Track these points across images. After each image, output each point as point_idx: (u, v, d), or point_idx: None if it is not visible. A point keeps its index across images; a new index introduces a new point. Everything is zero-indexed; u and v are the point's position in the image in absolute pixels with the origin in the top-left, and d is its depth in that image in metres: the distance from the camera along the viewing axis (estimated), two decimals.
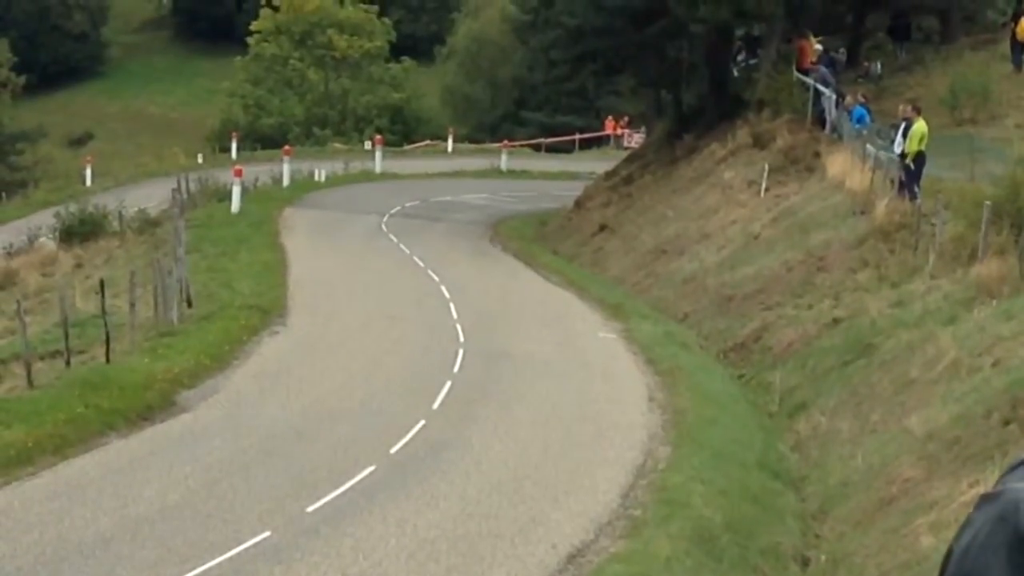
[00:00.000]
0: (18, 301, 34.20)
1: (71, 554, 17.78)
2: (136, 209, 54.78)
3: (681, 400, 28.79)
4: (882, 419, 25.33)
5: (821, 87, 49.09)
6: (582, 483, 22.41)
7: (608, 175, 62.43)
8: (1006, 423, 21.12)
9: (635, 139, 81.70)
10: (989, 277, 28.99)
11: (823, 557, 20.08)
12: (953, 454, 21.04)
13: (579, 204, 60.55)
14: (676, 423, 26.83)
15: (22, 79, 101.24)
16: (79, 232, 54.24)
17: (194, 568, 17.17)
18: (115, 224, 54.66)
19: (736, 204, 46.46)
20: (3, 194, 77.84)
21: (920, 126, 37.16)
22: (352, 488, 21.42)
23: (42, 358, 30.30)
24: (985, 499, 1.46)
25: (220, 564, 17.44)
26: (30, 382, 28.48)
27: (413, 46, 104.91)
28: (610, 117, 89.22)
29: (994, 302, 27.75)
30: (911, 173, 37.11)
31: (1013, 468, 1.50)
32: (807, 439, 26.99)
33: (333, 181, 70.03)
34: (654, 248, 48.07)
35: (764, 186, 45.75)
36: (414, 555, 18.42)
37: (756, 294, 37.74)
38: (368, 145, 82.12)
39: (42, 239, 55.05)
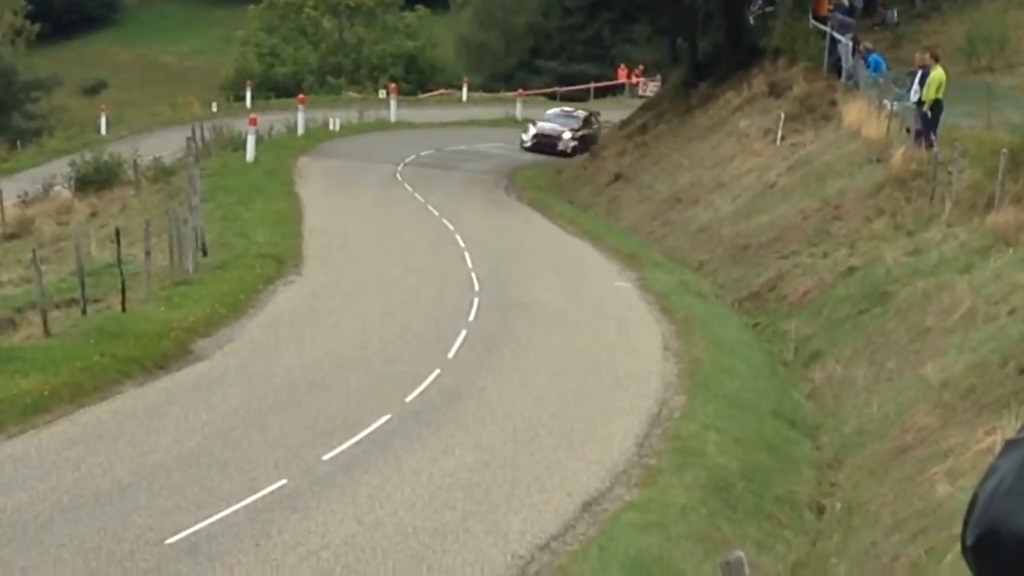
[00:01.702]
0: (34, 250, 34.19)
1: (87, 502, 17.85)
2: (151, 158, 54.75)
3: (696, 349, 28.81)
4: (897, 367, 25.33)
5: (837, 35, 48.92)
6: (597, 432, 22.45)
7: (623, 124, 62.43)
8: (1022, 371, 21.12)
9: (650, 87, 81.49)
10: (1006, 225, 28.94)
11: (838, 505, 20.11)
12: (969, 402, 21.05)
13: (594, 154, 60.49)
14: (691, 372, 26.85)
15: (36, 27, 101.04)
16: (94, 181, 54.23)
17: (210, 516, 17.23)
18: (130, 173, 54.61)
19: (751, 153, 46.40)
20: (18, 142, 77.80)
21: (937, 74, 37.03)
22: (367, 437, 21.47)
23: (58, 307, 30.35)
24: (1010, 445, 1.48)
25: (236, 512, 17.50)
26: (46, 330, 28.54)
27: None
28: (625, 65, 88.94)
29: (1011, 250, 27.72)
30: (928, 121, 37.01)
31: None
32: (822, 387, 27.02)
33: (347, 130, 69.94)
34: (669, 197, 48.02)
35: (780, 135, 45.68)
36: (430, 503, 18.47)
37: (771, 243, 37.71)
38: (382, 94, 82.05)
39: (57, 188, 55.09)
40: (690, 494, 19.25)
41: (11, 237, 47.68)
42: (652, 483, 19.72)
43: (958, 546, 9.32)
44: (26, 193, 54.35)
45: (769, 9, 56.54)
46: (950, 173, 33.17)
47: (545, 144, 69.29)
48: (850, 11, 51.60)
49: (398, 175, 57.36)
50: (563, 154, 68.13)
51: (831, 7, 51.31)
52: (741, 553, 6.43)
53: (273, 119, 64.92)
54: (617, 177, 54.61)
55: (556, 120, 72.24)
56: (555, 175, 61.12)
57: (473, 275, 36.42)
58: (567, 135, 70.11)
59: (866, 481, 20.60)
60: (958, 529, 9.65)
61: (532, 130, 70.89)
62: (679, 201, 47.01)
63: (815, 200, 38.46)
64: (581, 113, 74.12)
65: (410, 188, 53.68)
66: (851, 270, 32.13)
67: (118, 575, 15.06)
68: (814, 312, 31.36)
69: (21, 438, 21.41)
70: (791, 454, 22.73)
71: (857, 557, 16.70)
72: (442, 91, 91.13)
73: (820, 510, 20.35)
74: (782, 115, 46.32)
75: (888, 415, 23.06)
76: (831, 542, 18.37)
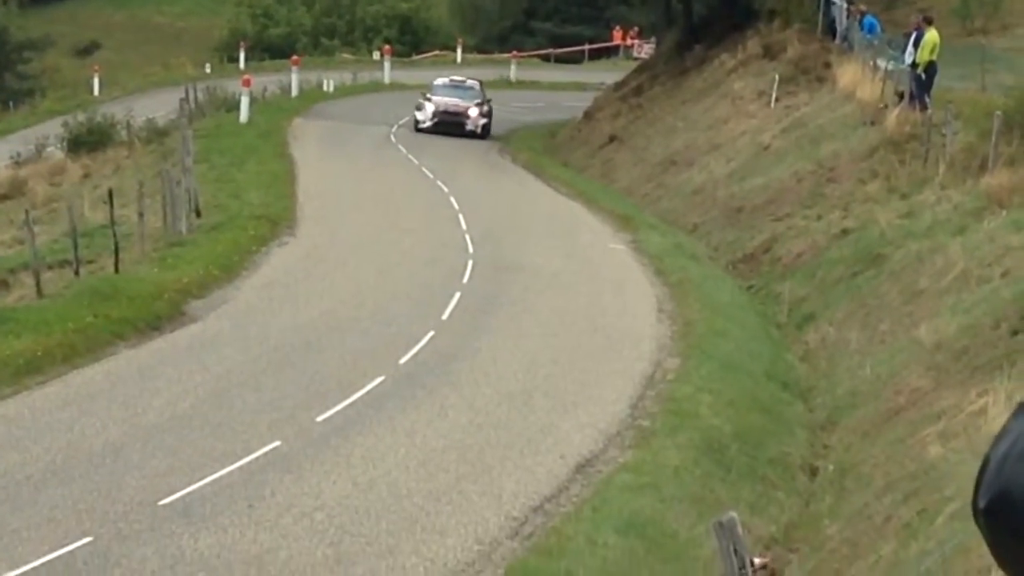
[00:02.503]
0: (27, 211, 34.13)
1: (81, 463, 17.85)
2: (144, 119, 54.71)
3: (690, 311, 28.84)
4: (890, 329, 25.38)
5: None
6: (591, 394, 22.47)
7: (617, 86, 62.30)
8: (1014, 333, 21.16)
9: (645, 49, 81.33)
10: (999, 187, 28.97)
11: (831, 467, 20.17)
12: (961, 364, 21.09)
13: (588, 115, 60.48)
14: (685, 334, 26.89)
15: None
16: (87, 142, 54.15)
17: (204, 477, 17.22)
18: (123, 134, 54.56)
19: (746, 115, 46.39)
20: (11, 103, 77.71)
21: (932, 36, 37.03)
22: (361, 398, 21.47)
23: (51, 268, 30.33)
24: (1022, 408, 1.48)
25: (230, 473, 17.51)
26: (39, 292, 28.52)
27: None
28: (620, 27, 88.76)
29: (1004, 213, 27.74)
30: (922, 83, 37.02)
31: None
32: (815, 349, 27.07)
33: (341, 91, 69.90)
34: (663, 159, 48.03)
35: (774, 97, 45.67)
36: (423, 464, 18.49)
37: (765, 205, 37.74)
38: (376, 55, 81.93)
39: (50, 149, 55.02)
40: (683, 456, 19.29)
41: (3, 198, 47.60)
42: (645, 445, 19.75)
43: (950, 507, 9.41)
44: (18, 154, 54.27)
45: None
46: (944, 135, 33.20)
47: (450, 123, 60.13)
48: None
49: (392, 137, 57.32)
50: (472, 135, 59.98)
51: None
52: (734, 514, 6.44)
53: (267, 80, 64.93)
54: (612, 139, 54.59)
55: (452, 93, 62.08)
56: (549, 137, 61.14)
57: (467, 237, 36.41)
58: (474, 111, 60.88)
59: (859, 443, 20.65)
60: (950, 491, 9.78)
61: (429, 107, 60.69)
62: (673, 163, 47.01)
63: (809, 162, 38.48)
64: (474, 83, 63.96)
65: (404, 150, 53.63)
66: (844, 232, 32.16)
67: (112, 536, 15.06)
68: (808, 274, 31.40)
69: (14, 399, 21.38)
70: (784, 416, 22.79)
71: (849, 518, 16.75)
72: (436, 53, 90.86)
73: (813, 472, 20.41)
74: (776, 77, 46.29)
75: (881, 377, 23.11)
76: (823, 503, 18.42)
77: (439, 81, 63.17)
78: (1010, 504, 1.40)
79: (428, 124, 59.73)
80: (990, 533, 1.46)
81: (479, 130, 60.05)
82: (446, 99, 60.78)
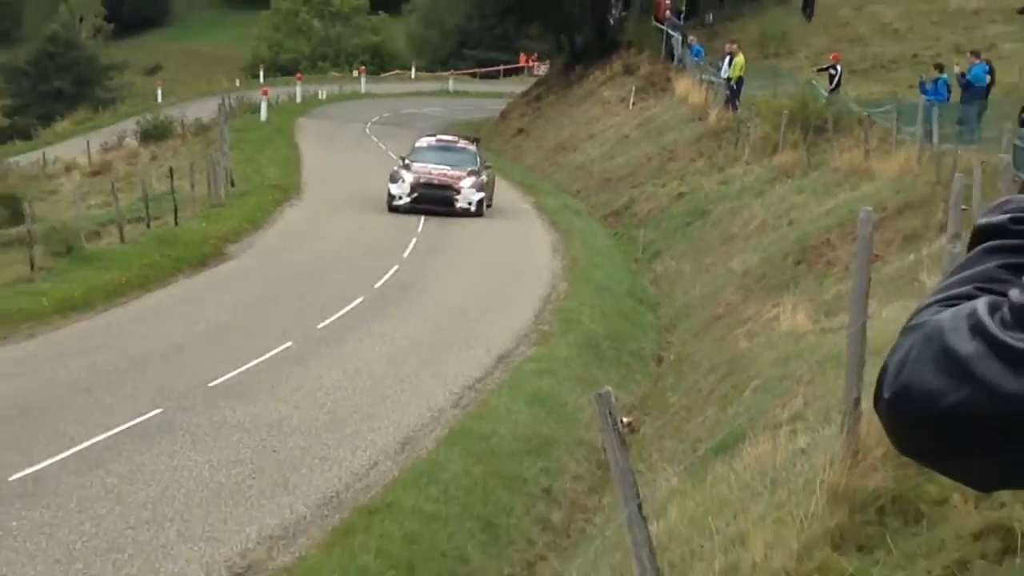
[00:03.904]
0: (112, 183, 34.00)
1: (153, 358, 17.79)
2: (193, 119, 54.22)
3: (574, 250, 28.93)
4: (712, 262, 25.55)
5: (671, 31, 48.92)
6: (507, 308, 22.52)
7: (524, 94, 62.02)
8: (797, 263, 21.37)
9: (542, 69, 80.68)
10: (786, 163, 29.21)
11: (672, 356, 20.34)
12: (761, 285, 21.27)
13: (504, 115, 60.26)
14: (571, 267, 26.98)
15: (111, 26, 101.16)
16: (154, 134, 53.75)
17: (239, 367, 17.20)
18: (179, 129, 54.11)
19: (612, 114, 46.43)
20: (99, 107, 76.70)
21: (740, 59, 37.17)
22: (348, 312, 21.46)
23: (129, 222, 30.05)
24: (910, 329, 1.48)
25: (258, 364, 17.48)
26: (122, 239, 28.32)
27: (386, 3, 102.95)
28: (524, 53, 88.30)
29: (789, 180, 27.97)
30: (733, 92, 37.18)
31: (925, 307, 1.52)
32: (661, 276, 27.24)
33: (331, 99, 69.29)
34: (555, 145, 47.99)
35: (632, 101, 45.73)
36: (392, 357, 18.51)
37: (626, 177, 37.83)
38: (355, 73, 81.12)
39: (128, 139, 54.42)
40: (571, 350, 19.39)
41: (96, 174, 47.14)
42: (545, 343, 19.84)
43: (753, 383, 9.35)
44: (106, 143, 53.66)
45: (624, 13, 56.14)
46: (748, 128, 33.37)
47: (434, 199, 33.35)
48: (679, 15, 51.64)
49: (367, 130, 56.92)
50: (465, 213, 33.46)
51: (667, 12, 51.29)
52: (609, 388, 6.46)
53: (279, 91, 64.31)
54: (519, 131, 54.46)
55: (438, 158, 34.76)
56: (476, 130, 60.69)
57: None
58: (467, 182, 33.87)
59: (691, 340, 20.84)
60: (753, 372, 9.74)
61: (407, 177, 33.70)
62: (562, 148, 46.99)
63: (656, 147, 38.60)
64: (468, 145, 36.75)
65: (376, 139, 53.30)
66: (680, 195, 32.31)
67: (175, 408, 15.03)
68: (655, 224, 31.54)
69: (104, 315, 21.30)
70: (640, 322, 22.93)
71: (685, 391, 16.90)
72: (397, 72, 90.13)
73: (660, 360, 20.57)
74: (633, 88, 46.34)
75: (706, 294, 23.29)
76: (667, 382, 18.58)
77: (422, 142, 36.52)
78: (909, 394, 1.40)
79: (405, 202, 33.32)
80: (893, 421, 1.46)
81: (473, 207, 33.63)
82: (430, 167, 34.10)
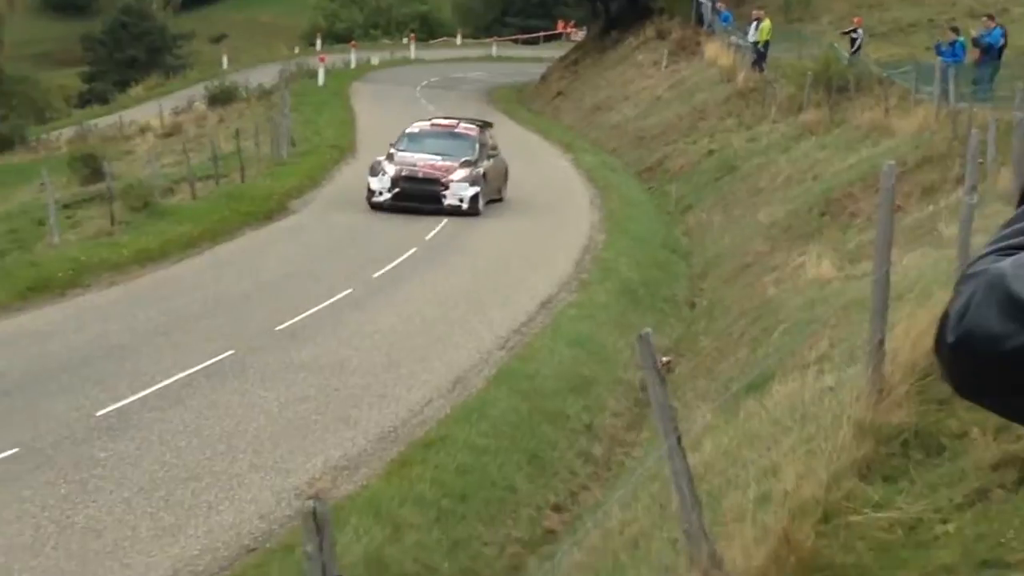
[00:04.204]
0: (183, 144, 34.06)
1: (224, 304, 17.88)
2: (256, 84, 54.21)
3: (611, 204, 28.79)
4: (741, 214, 25.39)
5: None
6: (548, 257, 22.44)
7: (562, 59, 61.57)
8: (821, 214, 21.22)
9: (579, 35, 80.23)
10: (810, 121, 28.92)
11: (704, 302, 20.28)
12: (787, 236, 21.13)
13: (544, 78, 59.89)
14: (609, 219, 26.84)
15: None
16: (220, 98, 53.76)
17: (303, 313, 17.26)
18: (243, 94, 54.12)
19: (645, 77, 46.05)
20: (170, 74, 76.95)
21: (766, 23, 36.77)
22: (402, 262, 21.47)
23: (200, 180, 30.11)
24: (969, 277, 1.45)
25: (320, 310, 17.53)
26: (193, 195, 28.41)
27: None
28: (562, 20, 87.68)
29: (814, 137, 27.71)
30: (760, 55, 36.80)
31: (982, 256, 1.49)
32: (693, 228, 27.10)
33: (383, 64, 69.07)
34: (592, 106, 47.69)
35: (664, 65, 45.33)
36: (443, 303, 18.50)
37: (660, 135, 37.57)
38: (405, 41, 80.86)
39: (196, 103, 54.52)
40: (609, 296, 19.36)
41: (168, 136, 47.23)
42: (584, 289, 19.80)
43: (781, 327, 9.27)
44: (177, 107, 53.79)
45: None
46: (774, 88, 33.05)
47: (416, 194, 26.28)
48: None
49: (417, 94, 56.74)
50: (456, 212, 26.26)
51: None
52: (649, 330, 6.44)
53: (334, 58, 64.14)
54: (558, 94, 54.10)
55: (429, 146, 27.59)
56: (518, 92, 60.50)
57: None
58: (459, 174, 26.62)
59: (721, 287, 20.75)
60: (782, 316, 9.64)
61: (389, 169, 26.68)
62: (599, 109, 46.69)
63: (687, 107, 38.29)
64: (470, 129, 28.86)
65: (425, 102, 53.07)
66: (711, 152, 32.08)
67: (246, 350, 15.11)
68: (687, 179, 31.35)
69: (180, 264, 21.42)
70: (673, 270, 22.84)
71: (717, 334, 16.85)
72: (444, 39, 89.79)
73: (692, 306, 20.51)
74: (665, 52, 45.93)
75: (735, 244, 23.17)
76: (700, 326, 18.53)
77: (414, 127, 28.87)
78: (972, 338, 1.38)
79: (385, 198, 26.36)
80: (956, 364, 1.43)
81: (465, 204, 26.37)
82: (416, 157, 26.87)
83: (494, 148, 28.98)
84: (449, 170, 26.69)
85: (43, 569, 8.43)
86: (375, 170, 26.97)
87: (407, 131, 28.72)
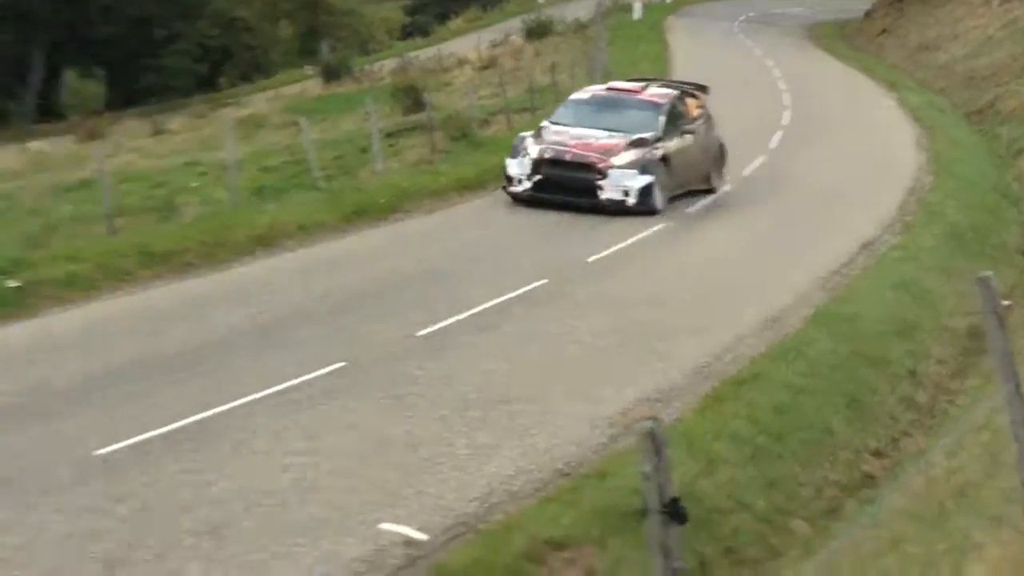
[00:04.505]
0: (500, 76, 34.63)
1: (536, 236, 17.94)
2: (572, 18, 54.69)
3: (938, 146, 27.52)
4: None
5: None
6: (872, 199, 21.63)
7: None
8: None
9: None
10: None
11: None
12: None
13: (867, 15, 57.95)
14: (935, 160, 25.68)
15: None
16: (536, 32, 54.74)
17: (613, 247, 17.08)
18: (559, 27, 54.73)
19: (976, 16, 43.91)
20: (488, 7, 78.61)
21: None
22: (715, 200, 21.05)
23: (516, 112, 30.62)
24: None
25: (630, 244, 17.38)
26: (509, 127, 29.06)
27: None
28: None
29: None
30: None
31: None
32: None
33: None
34: (918, 45, 45.83)
35: (997, 3, 43.06)
36: (757, 242, 18.08)
37: (991, 76, 35.75)
38: None
39: (512, 37, 55.53)
40: (935, 240, 18.58)
41: (484, 68, 48.30)
42: (909, 232, 19.01)
43: None
44: (494, 40, 54.92)
45: None
46: None
47: (563, 185, 19.10)
48: None
49: (734, 29, 55.87)
50: (610, 209, 18.96)
51: None
52: (991, 273, 6.08)
53: None
54: (883, 31, 52.31)
55: (595, 120, 20.20)
56: (840, 29, 58.57)
57: (784, 95, 35.50)
58: (623, 158, 19.11)
59: None
60: None
61: (532, 150, 19.60)
62: (925, 48, 44.81)
63: (1021, 47, 36.25)
64: (658, 97, 21.01)
65: (742, 37, 52.34)
66: None
67: (558, 280, 15.17)
68: (1020, 122, 29.72)
69: (495, 193, 21.09)
70: (1003, 216, 21.77)
71: None
72: None
73: (1023, 252, 19.45)
74: None
75: None
76: None
77: (581, 93, 22.29)
78: None
79: (525, 187, 19.65)
80: None
81: (632, 199, 19.13)
82: (569, 133, 20.11)
83: (698, 121, 21.80)
84: (611, 151, 19.43)
85: (369, 478, 8.74)
86: (516, 150, 20.05)
87: (571, 98, 22.22)
